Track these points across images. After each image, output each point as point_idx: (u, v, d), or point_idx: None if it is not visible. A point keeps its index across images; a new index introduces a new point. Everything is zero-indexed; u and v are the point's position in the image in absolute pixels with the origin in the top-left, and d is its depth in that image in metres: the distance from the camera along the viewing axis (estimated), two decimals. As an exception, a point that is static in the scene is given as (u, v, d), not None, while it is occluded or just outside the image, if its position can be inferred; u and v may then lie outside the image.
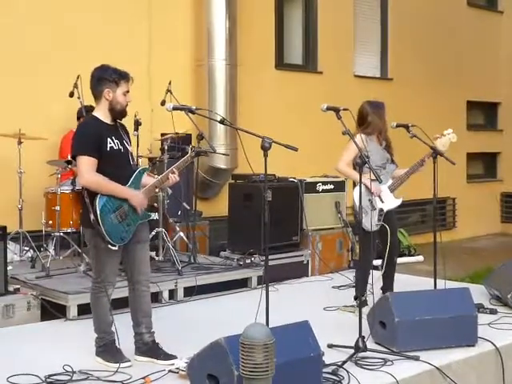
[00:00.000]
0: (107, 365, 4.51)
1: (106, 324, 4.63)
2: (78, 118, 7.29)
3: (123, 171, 4.56)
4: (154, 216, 6.92)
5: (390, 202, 6.07)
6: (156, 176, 4.98)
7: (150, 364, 4.56)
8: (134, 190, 4.58)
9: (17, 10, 7.76)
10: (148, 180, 4.78)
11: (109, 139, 4.50)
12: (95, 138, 4.45)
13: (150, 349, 4.70)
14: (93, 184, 4.42)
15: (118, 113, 4.57)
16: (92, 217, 4.39)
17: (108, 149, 4.48)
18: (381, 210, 5.97)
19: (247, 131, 4.70)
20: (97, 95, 4.57)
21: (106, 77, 4.51)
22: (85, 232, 4.71)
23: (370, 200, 5.88)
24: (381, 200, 5.98)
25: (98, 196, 4.42)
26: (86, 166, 4.41)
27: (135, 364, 4.59)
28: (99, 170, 4.44)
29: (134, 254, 4.66)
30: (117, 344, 4.63)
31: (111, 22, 8.41)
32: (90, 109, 7.21)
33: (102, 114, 4.57)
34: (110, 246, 4.44)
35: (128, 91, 4.56)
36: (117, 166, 4.51)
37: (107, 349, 4.61)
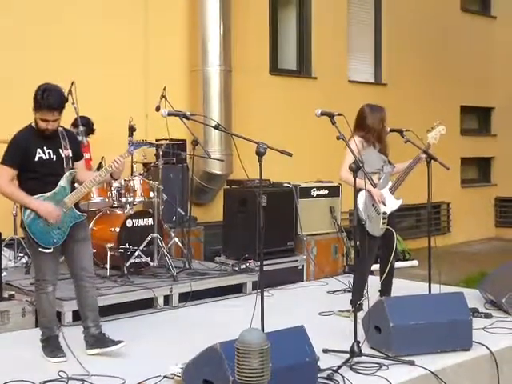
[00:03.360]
0: (47, 359, 4.80)
1: (47, 320, 4.91)
2: (74, 126, 7.28)
3: (52, 179, 4.78)
4: (148, 221, 6.93)
5: (392, 203, 6.07)
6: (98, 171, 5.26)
7: (145, 369, 4.55)
8: (41, 202, 4.72)
9: (12, 11, 7.75)
10: (88, 175, 4.95)
11: (39, 149, 4.74)
12: (21, 148, 4.70)
13: (97, 340, 4.93)
14: (5, 193, 4.73)
15: (40, 131, 4.76)
16: (23, 222, 4.72)
17: (36, 159, 4.73)
18: (384, 213, 5.95)
19: (242, 137, 4.71)
20: None
21: (34, 96, 4.69)
22: (23, 232, 4.90)
23: (373, 205, 5.88)
24: (384, 204, 5.95)
25: None
26: (2, 177, 4.69)
27: (130, 369, 4.57)
28: (27, 177, 4.72)
29: (73, 252, 4.90)
30: (60, 340, 4.91)
31: (106, 28, 8.41)
32: (86, 121, 7.28)
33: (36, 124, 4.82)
34: (41, 249, 4.70)
35: (46, 120, 4.68)
36: (45, 175, 4.75)
37: (47, 343, 4.90)
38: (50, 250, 4.73)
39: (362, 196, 5.72)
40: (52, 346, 4.88)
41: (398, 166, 6.17)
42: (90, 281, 5.00)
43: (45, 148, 4.76)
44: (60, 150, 4.82)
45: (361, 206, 5.71)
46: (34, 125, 4.79)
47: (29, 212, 4.70)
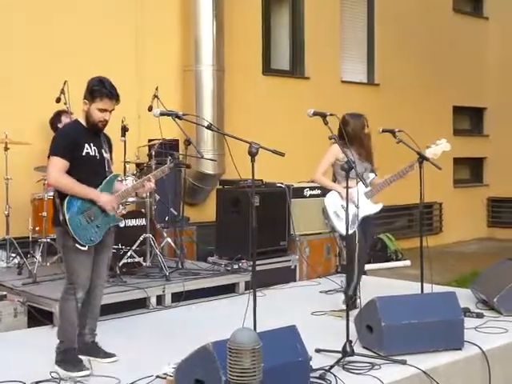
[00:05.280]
0: (68, 375, 4.43)
1: (72, 329, 4.61)
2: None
3: (96, 177, 4.66)
4: (141, 221, 6.94)
5: (367, 207, 6.10)
6: (129, 184, 5.07)
7: (137, 369, 4.54)
8: (100, 193, 4.63)
9: (4, 12, 7.74)
10: (120, 186, 4.91)
11: (86, 145, 4.61)
12: (70, 141, 4.57)
13: (89, 348, 4.79)
14: (59, 184, 4.54)
15: (90, 126, 4.67)
16: (61, 217, 4.50)
17: (83, 154, 4.59)
18: (354, 214, 5.97)
19: (234, 137, 4.71)
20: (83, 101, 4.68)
21: (88, 87, 4.62)
22: (55, 231, 4.78)
23: (342, 205, 5.91)
24: (355, 205, 5.95)
25: (68, 197, 4.53)
26: (56, 167, 4.53)
27: (122, 369, 4.57)
28: (72, 172, 4.54)
29: (98, 258, 4.72)
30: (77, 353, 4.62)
31: (99, 28, 8.41)
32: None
33: (83, 119, 4.69)
34: (78, 245, 4.52)
35: (106, 110, 4.62)
36: (90, 171, 4.62)
37: (68, 357, 4.55)
38: (85, 248, 4.53)
39: (329, 196, 6.03)
40: (73, 360, 4.54)
41: (376, 181, 6.19)
42: (101, 289, 4.87)
43: (92, 144, 4.63)
44: (103, 150, 4.72)
45: (329, 207, 6.00)
46: (80, 119, 4.67)
47: (71, 206, 4.50)
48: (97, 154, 4.66)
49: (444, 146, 6.07)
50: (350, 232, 5.92)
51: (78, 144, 4.57)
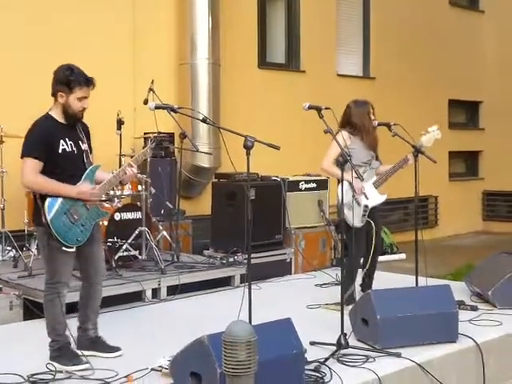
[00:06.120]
0: (64, 369, 4.42)
1: (61, 326, 4.56)
2: None
3: (76, 172, 4.50)
4: (136, 215, 6.94)
5: (375, 198, 6.12)
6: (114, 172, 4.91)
7: (132, 362, 4.55)
8: (78, 186, 4.47)
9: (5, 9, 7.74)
10: (104, 176, 4.68)
11: (62, 141, 4.45)
12: (44, 140, 4.40)
13: (93, 343, 4.75)
14: (34, 185, 4.41)
15: (69, 117, 4.50)
16: (43, 219, 4.36)
17: (60, 151, 4.44)
18: (365, 206, 6.02)
19: (230, 130, 4.71)
20: (53, 94, 4.52)
21: (61, 79, 4.45)
22: (36, 230, 4.68)
23: (353, 196, 5.92)
24: (365, 197, 6.02)
25: (48, 198, 4.38)
26: (29, 168, 4.37)
27: (117, 362, 4.58)
28: (51, 171, 4.39)
29: (91, 254, 4.64)
30: (72, 347, 4.59)
31: (94, 22, 8.38)
32: None
33: (56, 113, 4.52)
34: (65, 248, 4.39)
35: (85, 97, 4.48)
36: (69, 167, 4.46)
37: (63, 352, 4.53)
38: (73, 250, 4.42)
39: (341, 188, 5.80)
40: (69, 355, 4.51)
41: (383, 167, 6.21)
42: (101, 283, 4.79)
43: (67, 139, 4.46)
44: (80, 142, 4.55)
45: (340, 196, 5.77)
46: (52, 114, 4.50)
47: (52, 207, 4.36)
48: (74, 149, 4.49)
49: (436, 133, 6.06)
50: (362, 224, 5.96)
51: (52, 142, 4.41)
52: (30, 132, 4.48)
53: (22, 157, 4.43)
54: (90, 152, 4.67)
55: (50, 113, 4.53)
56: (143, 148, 7.67)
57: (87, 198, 4.50)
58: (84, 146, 4.59)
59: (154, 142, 4.94)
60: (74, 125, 4.56)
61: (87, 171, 4.56)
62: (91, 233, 4.56)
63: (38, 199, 4.42)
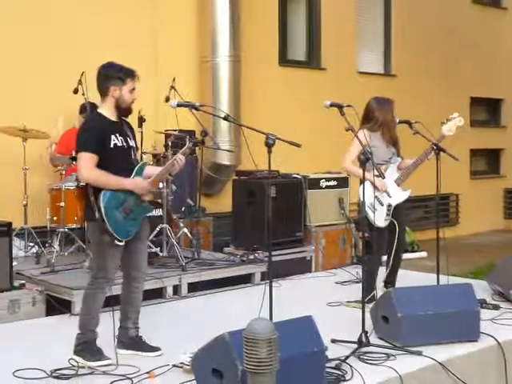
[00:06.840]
0: (86, 364, 4.44)
1: (95, 322, 4.58)
2: (81, 113, 7.34)
3: (126, 166, 4.57)
4: (157, 212, 6.97)
5: (398, 195, 6.09)
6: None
7: (154, 358, 4.59)
8: (134, 179, 4.56)
9: (19, 8, 7.78)
10: (151, 171, 4.76)
11: (113, 136, 4.53)
12: (98, 134, 4.48)
13: (134, 342, 4.76)
14: (92, 179, 4.45)
15: (123, 110, 4.61)
16: (97, 214, 4.40)
17: (112, 145, 4.51)
18: (389, 205, 5.99)
19: (251, 128, 4.71)
20: (103, 92, 4.59)
21: (112, 74, 4.54)
22: (88, 226, 4.74)
23: (376, 197, 5.89)
24: (388, 195, 6.00)
25: (102, 192, 4.43)
26: (85, 162, 4.43)
27: (138, 358, 4.61)
28: (102, 165, 4.45)
29: (135, 251, 4.68)
30: (97, 343, 4.60)
31: (116, 20, 8.44)
32: (94, 106, 7.30)
33: (107, 110, 4.59)
34: (116, 241, 4.44)
35: (134, 89, 4.59)
36: (120, 162, 4.53)
37: (87, 347, 4.54)
38: (123, 243, 4.46)
39: (362, 188, 5.77)
40: (92, 350, 4.53)
41: (406, 161, 6.18)
42: (143, 282, 4.84)
43: (117, 135, 4.55)
44: (128, 138, 4.64)
45: (364, 198, 5.74)
46: (102, 111, 4.59)
47: (106, 203, 4.40)
48: (124, 144, 4.58)
49: (458, 120, 6.01)
50: (386, 224, 5.95)
51: (105, 137, 4.49)
52: (83, 129, 4.63)
53: (77, 152, 4.51)
54: (136, 149, 4.76)
55: (99, 111, 4.63)
56: (164, 145, 7.77)
57: (142, 191, 4.58)
58: (132, 143, 4.68)
59: (191, 142, 4.97)
60: (122, 122, 4.66)
61: (137, 167, 4.65)
62: (139, 229, 4.62)
63: (90, 195, 4.46)
